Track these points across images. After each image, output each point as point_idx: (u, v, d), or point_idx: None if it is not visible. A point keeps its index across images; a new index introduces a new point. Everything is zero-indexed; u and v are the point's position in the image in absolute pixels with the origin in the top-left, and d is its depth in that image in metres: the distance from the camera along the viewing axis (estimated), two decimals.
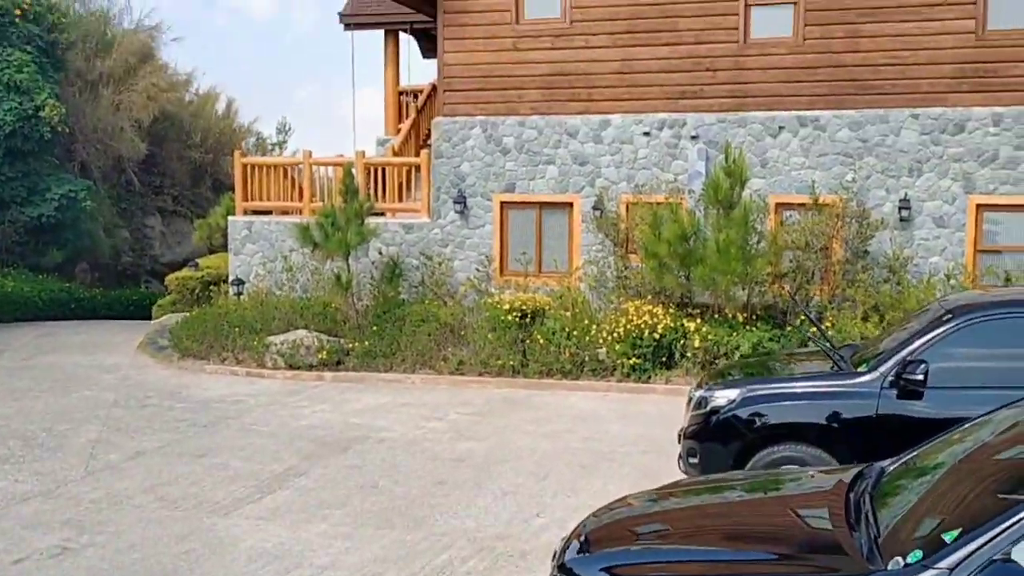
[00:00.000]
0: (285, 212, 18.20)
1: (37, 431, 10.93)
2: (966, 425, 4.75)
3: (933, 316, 7.53)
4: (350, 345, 14.86)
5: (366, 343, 14.73)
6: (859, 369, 7.48)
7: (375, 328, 15.04)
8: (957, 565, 3.34)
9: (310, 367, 14.46)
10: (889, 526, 3.89)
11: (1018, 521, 3.33)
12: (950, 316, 7.26)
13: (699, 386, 8.17)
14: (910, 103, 14.74)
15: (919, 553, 3.48)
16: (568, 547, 4.49)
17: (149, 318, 21.78)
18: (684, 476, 7.69)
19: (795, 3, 15.04)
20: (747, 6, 15.26)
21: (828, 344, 8.59)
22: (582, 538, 4.52)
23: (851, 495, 4.36)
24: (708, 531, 4.48)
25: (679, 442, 8.08)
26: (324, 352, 14.56)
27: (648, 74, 15.65)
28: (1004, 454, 4.25)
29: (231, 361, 15.09)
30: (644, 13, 15.60)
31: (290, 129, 45.81)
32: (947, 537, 3.47)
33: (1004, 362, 7.20)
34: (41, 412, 11.95)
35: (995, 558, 3.28)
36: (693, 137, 15.47)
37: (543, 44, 16.09)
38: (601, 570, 4.08)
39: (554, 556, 4.59)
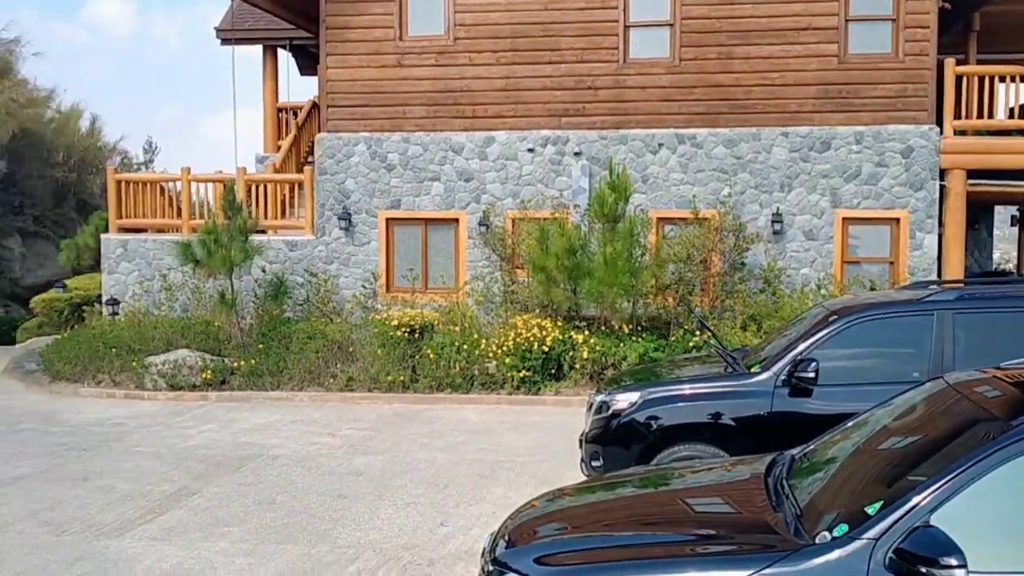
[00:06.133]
0: (161, 230, 17.64)
1: None
2: (867, 412, 5.03)
3: (819, 318, 7.92)
4: (235, 364, 14.48)
5: (252, 361, 14.38)
6: (752, 370, 7.80)
7: (260, 346, 14.71)
8: (882, 534, 3.55)
9: (193, 387, 14.02)
10: (810, 505, 4.08)
11: (935, 491, 3.57)
12: (835, 317, 7.65)
13: (599, 391, 8.34)
14: (780, 122, 15.47)
15: (844, 526, 3.67)
16: (496, 545, 4.52)
17: (12, 342, 20.66)
18: (586, 479, 7.81)
19: (671, 25, 15.60)
20: (626, 27, 15.73)
21: (723, 348, 8.89)
22: (506, 537, 4.56)
23: (768, 480, 4.55)
24: (636, 519, 4.60)
25: (580, 447, 8.21)
26: (208, 372, 14.15)
27: (532, 91, 15.93)
28: (906, 434, 4.53)
29: (107, 383, 14.48)
30: (527, 32, 15.89)
31: (156, 148, 44.52)
32: (869, 510, 3.67)
33: (883, 359, 7.67)
34: None
35: (916, 525, 3.50)
36: (576, 153, 15.80)
37: (427, 61, 16.17)
38: (535, 560, 4.13)
39: (483, 553, 4.62)
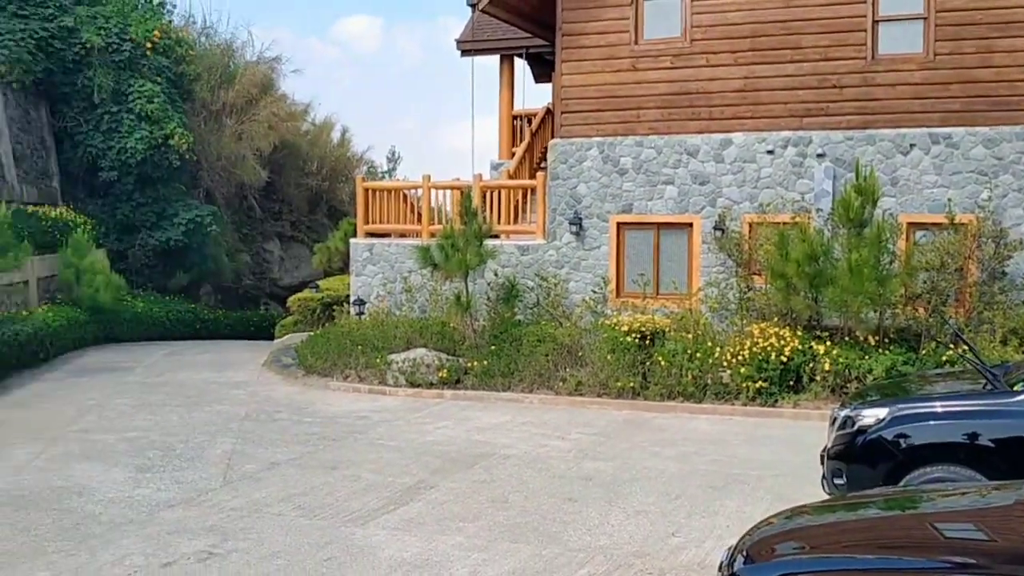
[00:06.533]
0: (403, 235, 18.51)
1: (175, 443, 11.29)
2: None
3: None
4: (468, 364, 14.94)
5: (484, 362, 14.78)
6: (1015, 388, 7.14)
7: (492, 348, 15.09)
8: None
9: (430, 385, 14.59)
10: None
11: None
12: None
13: (844, 406, 7.92)
14: None
15: None
16: (734, 560, 4.38)
17: (270, 338, 22.39)
18: (827, 497, 7.42)
19: (925, 18, 14.62)
20: (874, 22, 14.91)
21: (981, 363, 8.21)
22: (745, 553, 4.41)
23: None
24: (880, 543, 4.32)
25: (822, 463, 7.82)
26: (444, 371, 14.68)
27: (771, 92, 15.41)
28: None
29: (354, 378, 15.35)
30: (767, 31, 15.39)
31: (399, 157, 46.92)
32: None
33: None
34: (177, 425, 12.35)
35: None
36: (819, 155, 15.13)
37: (663, 64, 16.02)
38: None
39: (720, 568, 4.49)
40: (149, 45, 25.24)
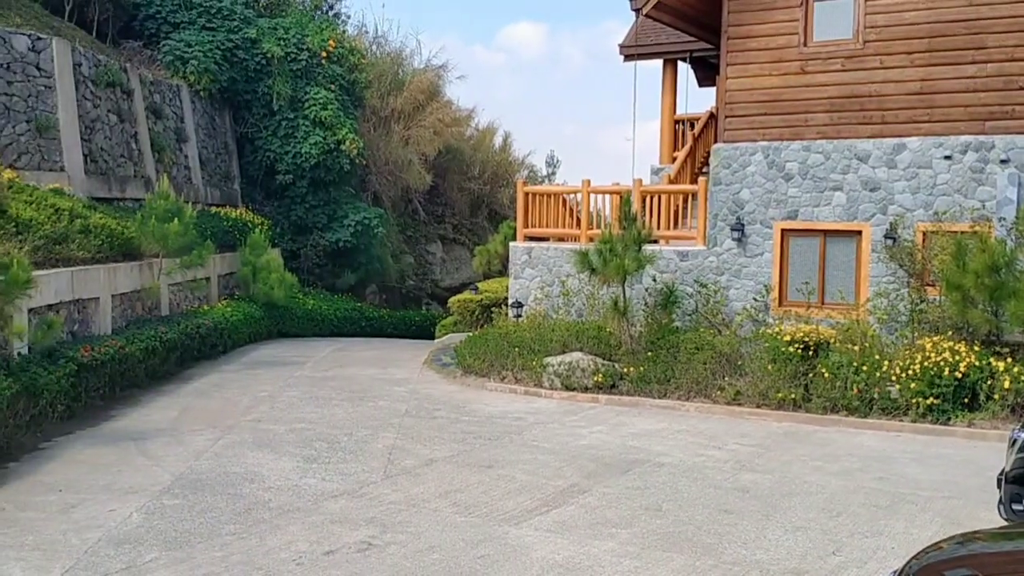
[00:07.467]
0: (561, 239, 18.61)
1: (339, 435, 11.75)
2: None
3: None
4: (624, 370, 14.87)
5: (640, 368, 14.68)
6: None
7: (649, 354, 14.97)
8: None
9: (585, 389, 14.61)
10: None
11: None
12: None
13: (1023, 427, 7.45)
14: None
15: None
16: None
17: (431, 337, 22.98)
18: (1004, 523, 7.00)
19: None
20: None
21: None
22: None
23: None
24: None
25: (999, 487, 7.38)
26: (599, 375, 14.67)
27: (951, 94, 14.64)
28: None
29: (510, 380, 15.56)
30: (947, 31, 14.63)
31: (558, 162, 47.19)
32: None
33: None
34: (342, 418, 12.85)
35: None
36: (1003, 161, 14.26)
37: (833, 66, 15.48)
38: None
39: None
40: (324, 54, 26.38)
